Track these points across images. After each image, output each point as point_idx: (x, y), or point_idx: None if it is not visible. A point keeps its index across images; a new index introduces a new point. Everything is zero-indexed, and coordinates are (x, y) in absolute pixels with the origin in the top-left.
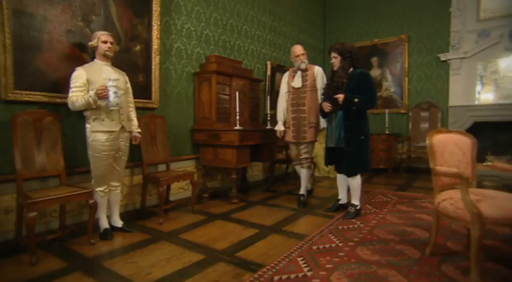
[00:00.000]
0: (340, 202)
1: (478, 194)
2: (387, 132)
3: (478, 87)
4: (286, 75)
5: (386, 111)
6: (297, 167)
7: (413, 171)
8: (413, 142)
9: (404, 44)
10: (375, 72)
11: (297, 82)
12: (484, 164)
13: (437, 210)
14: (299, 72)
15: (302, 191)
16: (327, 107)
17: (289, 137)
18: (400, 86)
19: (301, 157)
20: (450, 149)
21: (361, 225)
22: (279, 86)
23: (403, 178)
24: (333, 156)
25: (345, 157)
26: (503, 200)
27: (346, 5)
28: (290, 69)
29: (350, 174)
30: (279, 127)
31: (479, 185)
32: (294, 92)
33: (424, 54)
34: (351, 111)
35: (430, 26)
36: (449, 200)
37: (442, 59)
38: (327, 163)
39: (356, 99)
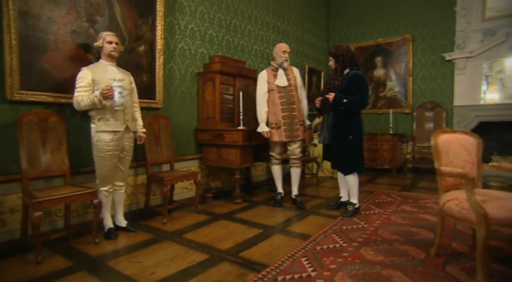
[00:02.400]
0: (342, 200)
1: (484, 195)
2: (391, 132)
3: (484, 87)
4: (264, 74)
5: (391, 111)
6: (276, 167)
7: (418, 172)
8: (417, 142)
9: (408, 44)
10: (378, 72)
11: (283, 80)
12: (490, 164)
13: (442, 210)
14: (281, 71)
15: (295, 191)
16: (317, 102)
17: (281, 137)
18: (404, 85)
19: (295, 157)
20: (455, 149)
21: (365, 225)
22: None
23: (407, 178)
24: (329, 153)
25: (332, 156)
26: (509, 200)
27: (350, 4)
28: (267, 68)
29: (341, 171)
30: (264, 128)
31: (485, 186)
32: (281, 90)
33: (428, 54)
34: (339, 110)
35: (434, 25)
36: (455, 201)
37: (447, 58)
38: (323, 159)
39: (345, 100)
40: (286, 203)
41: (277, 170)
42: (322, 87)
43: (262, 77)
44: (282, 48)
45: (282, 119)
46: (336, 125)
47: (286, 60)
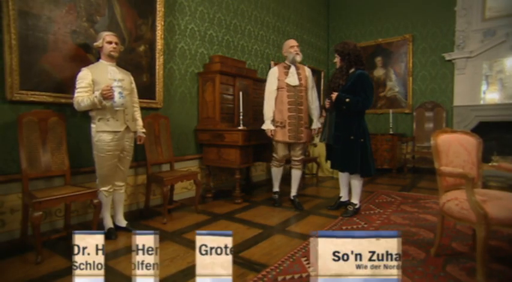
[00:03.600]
0: (342, 199)
1: (484, 195)
2: (391, 132)
3: (484, 87)
4: (275, 71)
5: (391, 111)
6: (276, 169)
7: (418, 172)
8: (417, 142)
9: (408, 44)
10: (378, 72)
11: (294, 79)
12: (490, 164)
13: (442, 210)
14: (293, 69)
15: (294, 192)
16: (326, 103)
17: (285, 137)
18: (404, 85)
19: (297, 159)
20: (455, 149)
21: (365, 225)
22: None
23: (407, 178)
24: (331, 152)
25: (333, 155)
26: (509, 200)
27: (350, 4)
28: (278, 64)
29: (345, 171)
30: (269, 126)
31: (485, 186)
32: (290, 89)
33: (428, 54)
34: (342, 110)
35: (434, 25)
36: (455, 201)
37: (447, 58)
38: (326, 158)
39: (347, 99)
40: (285, 203)
41: (276, 172)
42: (322, 86)
43: (273, 73)
44: (289, 44)
45: (287, 119)
46: (338, 125)
47: (297, 53)
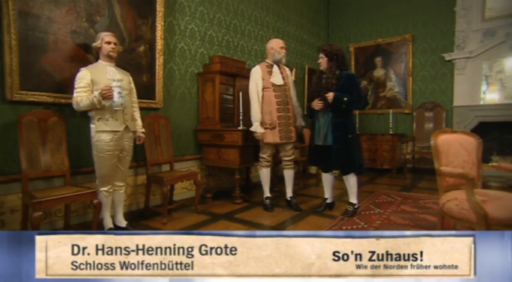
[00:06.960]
0: (328, 201)
1: (484, 195)
2: (391, 132)
3: (483, 87)
4: (258, 71)
5: (391, 111)
6: (266, 170)
7: (418, 172)
8: (417, 142)
9: (408, 44)
10: (378, 72)
11: (278, 79)
12: (490, 164)
13: (442, 210)
14: (276, 68)
15: (290, 193)
16: (318, 104)
17: (276, 138)
18: (404, 86)
19: (289, 158)
20: (455, 149)
21: (365, 225)
22: None
23: (407, 178)
24: (320, 155)
25: (333, 155)
26: (509, 200)
27: (350, 4)
28: (261, 64)
29: (342, 171)
30: (259, 129)
31: (485, 186)
32: (276, 89)
33: (428, 54)
34: (339, 110)
35: (434, 25)
36: (454, 201)
37: (447, 58)
38: (310, 163)
39: (345, 98)
40: (284, 204)
41: (266, 173)
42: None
43: (257, 72)
44: (279, 44)
45: (277, 120)
46: (336, 125)
47: (283, 56)
